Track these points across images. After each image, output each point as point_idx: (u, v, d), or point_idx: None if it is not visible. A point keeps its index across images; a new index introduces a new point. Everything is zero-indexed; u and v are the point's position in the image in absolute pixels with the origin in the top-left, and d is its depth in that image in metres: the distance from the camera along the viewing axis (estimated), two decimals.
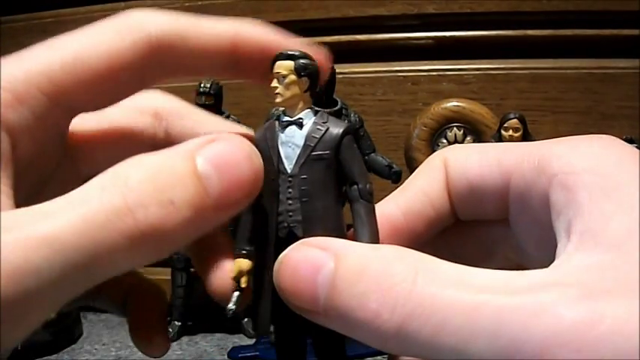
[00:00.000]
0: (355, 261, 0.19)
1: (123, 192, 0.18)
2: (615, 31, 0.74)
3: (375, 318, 0.18)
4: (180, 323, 0.57)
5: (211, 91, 0.63)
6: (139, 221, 0.18)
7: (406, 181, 0.26)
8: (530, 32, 0.76)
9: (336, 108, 0.60)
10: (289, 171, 0.23)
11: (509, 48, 0.77)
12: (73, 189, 0.19)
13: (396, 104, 0.78)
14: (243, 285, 0.24)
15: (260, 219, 0.24)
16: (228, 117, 0.64)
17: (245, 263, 0.24)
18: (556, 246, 0.20)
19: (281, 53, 0.24)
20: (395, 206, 0.25)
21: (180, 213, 0.19)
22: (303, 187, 0.23)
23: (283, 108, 0.24)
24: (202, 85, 0.63)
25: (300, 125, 0.23)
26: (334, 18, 0.77)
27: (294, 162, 0.23)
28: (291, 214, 0.23)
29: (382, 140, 0.73)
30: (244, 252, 0.24)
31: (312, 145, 0.23)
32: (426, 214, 0.25)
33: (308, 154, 0.23)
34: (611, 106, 0.74)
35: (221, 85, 0.64)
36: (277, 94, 0.24)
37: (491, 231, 0.25)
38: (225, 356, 0.51)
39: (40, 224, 0.17)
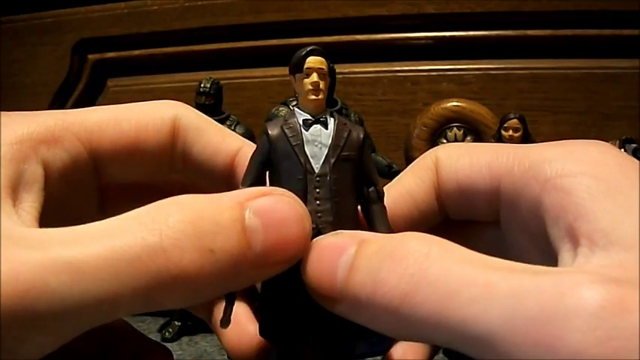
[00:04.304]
0: (376, 244, 0.19)
1: (161, 230, 0.17)
2: (615, 31, 0.73)
3: (383, 286, 0.18)
4: (180, 323, 0.57)
5: (211, 91, 0.63)
6: (172, 264, 0.17)
7: (393, 181, 0.26)
8: (530, 32, 0.76)
9: (336, 108, 0.60)
10: (317, 170, 0.22)
11: (509, 48, 0.77)
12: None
13: (396, 104, 0.78)
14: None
15: None
16: (228, 117, 0.64)
17: None
18: (548, 254, 0.20)
19: (316, 48, 0.23)
20: None
21: (217, 264, 0.18)
22: (334, 187, 0.22)
23: (309, 106, 0.23)
24: (202, 85, 0.63)
25: (325, 125, 0.23)
26: (334, 18, 0.77)
27: (321, 161, 0.22)
28: (320, 214, 0.22)
29: (382, 140, 0.73)
30: None
31: (341, 145, 0.23)
32: (409, 215, 0.25)
33: (338, 154, 0.23)
34: (611, 106, 0.74)
35: (221, 85, 0.64)
36: (320, 90, 0.23)
37: (482, 232, 0.25)
38: (225, 356, 0.51)
39: (65, 249, 0.17)
